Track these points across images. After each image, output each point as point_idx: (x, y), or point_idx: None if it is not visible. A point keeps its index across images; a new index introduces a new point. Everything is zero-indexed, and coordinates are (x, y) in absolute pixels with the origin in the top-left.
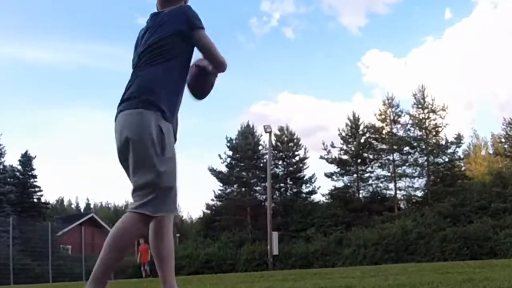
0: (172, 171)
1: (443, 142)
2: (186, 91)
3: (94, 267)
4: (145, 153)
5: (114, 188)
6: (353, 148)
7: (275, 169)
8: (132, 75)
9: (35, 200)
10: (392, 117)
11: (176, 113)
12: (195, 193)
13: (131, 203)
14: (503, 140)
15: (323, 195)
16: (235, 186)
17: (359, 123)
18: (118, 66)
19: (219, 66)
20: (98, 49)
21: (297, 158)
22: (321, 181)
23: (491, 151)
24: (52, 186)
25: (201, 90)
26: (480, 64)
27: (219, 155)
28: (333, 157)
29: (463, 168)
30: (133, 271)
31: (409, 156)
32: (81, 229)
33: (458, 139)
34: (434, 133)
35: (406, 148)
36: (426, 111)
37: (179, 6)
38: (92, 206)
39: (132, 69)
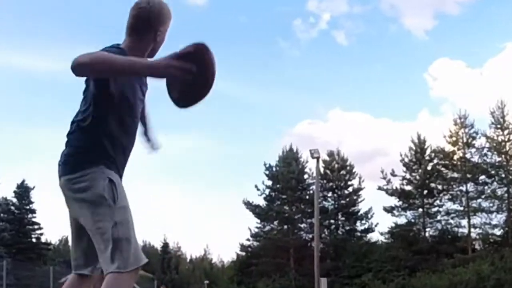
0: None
1: None
2: None
3: None
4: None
5: None
6: (418, 177)
7: (323, 202)
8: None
9: (34, 239)
10: (465, 140)
11: None
12: (227, 231)
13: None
14: None
15: (381, 234)
16: (276, 223)
17: (426, 146)
18: None
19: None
20: None
21: (350, 189)
22: (380, 216)
23: None
24: (54, 223)
25: None
26: None
27: (256, 186)
28: (394, 187)
29: None
30: None
31: (486, 187)
32: None
33: None
34: None
35: (482, 177)
36: (506, 132)
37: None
38: None
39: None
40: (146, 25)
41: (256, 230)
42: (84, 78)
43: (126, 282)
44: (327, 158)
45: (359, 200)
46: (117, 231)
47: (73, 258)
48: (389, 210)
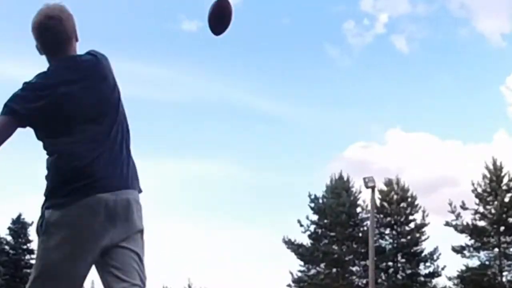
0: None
1: None
2: None
3: None
4: None
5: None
6: (493, 211)
7: (380, 240)
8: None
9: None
10: None
11: None
12: (264, 276)
13: None
14: None
15: (449, 279)
16: (323, 265)
17: (503, 174)
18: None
19: None
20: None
21: (411, 225)
22: (447, 258)
23: None
24: None
25: None
26: None
27: (299, 221)
28: (465, 223)
29: None
30: None
31: None
32: None
33: None
34: None
35: None
36: None
37: (89, 55)
38: None
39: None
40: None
41: (299, 274)
42: None
43: None
44: (384, 188)
45: (423, 238)
46: None
47: None
48: (459, 250)
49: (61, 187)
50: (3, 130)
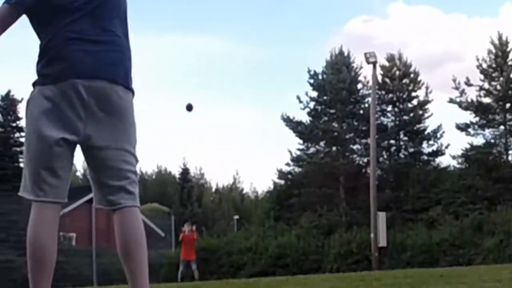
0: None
1: None
2: None
3: (132, 277)
4: None
5: (141, 147)
6: (499, 87)
7: (381, 118)
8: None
9: (22, 165)
10: None
11: None
12: (262, 155)
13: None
14: None
15: (453, 158)
16: (322, 143)
17: (508, 49)
18: None
19: None
20: None
21: (414, 102)
22: (451, 136)
23: None
24: None
25: None
26: None
27: (298, 98)
28: (469, 100)
29: None
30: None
31: None
32: (91, 208)
33: None
34: None
35: None
36: None
37: None
38: None
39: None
40: None
41: (298, 153)
42: None
43: None
44: (386, 64)
45: (426, 115)
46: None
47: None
48: (463, 128)
49: (42, 69)
50: (4, 18)
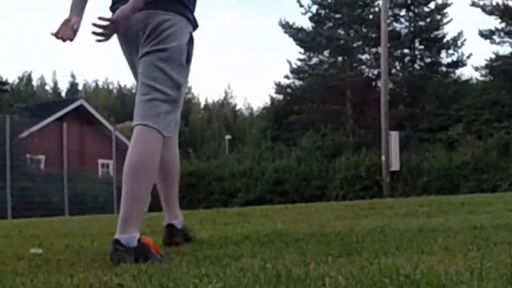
0: None
1: None
2: None
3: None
4: None
5: (117, 59)
6: None
7: (393, 24)
8: None
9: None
10: None
11: None
12: (258, 66)
13: None
14: None
15: (476, 69)
16: (326, 53)
17: None
18: None
19: None
20: None
21: (431, 5)
22: (474, 44)
23: None
24: (12, 56)
25: None
26: None
27: (299, 1)
28: (494, 3)
29: None
30: None
31: None
32: (62, 127)
33: None
34: None
35: None
36: None
37: None
38: (80, 88)
39: None
40: None
41: (299, 63)
42: None
43: None
44: None
45: (445, 21)
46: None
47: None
48: (487, 35)
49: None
50: None
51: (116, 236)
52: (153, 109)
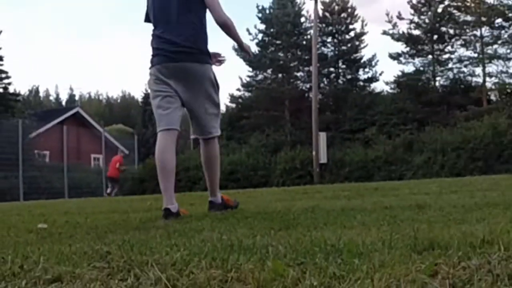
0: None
1: None
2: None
3: (212, 183)
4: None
5: (107, 74)
6: (427, 20)
7: (322, 48)
8: (170, 25)
9: (1, 90)
10: None
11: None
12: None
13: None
14: None
15: (387, 84)
16: (269, 71)
17: None
18: None
19: (219, 23)
20: None
21: (351, 33)
22: (385, 64)
23: None
24: (24, 72)
25: None
26: None
27: (248, 30)
28: (401, 32)
29: None
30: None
31: (503, 31)
32: (63, 129)
33: None
34: None
35: (499, 21)
36: None
37: None
38: (77, 98)
39: (163, 16)
40: None
41: (248, 79)
42: None
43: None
44: (327, 0)
45: (362, 46)
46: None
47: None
48: (395, 57)
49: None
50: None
51: (210, 199)
52: None
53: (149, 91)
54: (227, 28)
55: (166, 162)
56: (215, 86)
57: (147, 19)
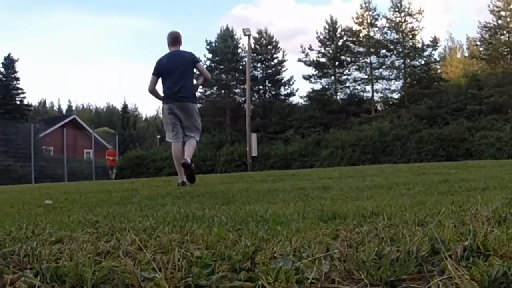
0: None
1: (419, 45)
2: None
3: (188, 152)
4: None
5: (96, 90)
6: (330, 51)
7: (254, 71)
8: (179, 84)
9: (18, 102)
10: (369, 21)
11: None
12: None
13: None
14: (478, 43)
15: (301, 97)
16: (215, 88)
17: (337, 26)
18: None
19: (206, 80)
20: None
21: (275, 60)
22: (299, 83)
23: (466, 54)
24: (34, 88)
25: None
26: None
27: (199, 58)
28: (311, 59)
29: (439, 71)
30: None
31: (386, 59)
32: (63, 131)
33: (434, 42)
34: (410, 36)
35: (383, 51)
36: (402, 14)
37: (189, 52)
38: (74, 108)
39: (175, 78)
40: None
41: (199, 94)
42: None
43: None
44: (257, 36)
45: (283, 70)
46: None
47: (175, 132)
48: (307, 78)
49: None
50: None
51: (187, 161)
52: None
53: (126, 102)
54: (209, 80)
55: (179, 157)
56: (199, 115)
57: (155, 73)
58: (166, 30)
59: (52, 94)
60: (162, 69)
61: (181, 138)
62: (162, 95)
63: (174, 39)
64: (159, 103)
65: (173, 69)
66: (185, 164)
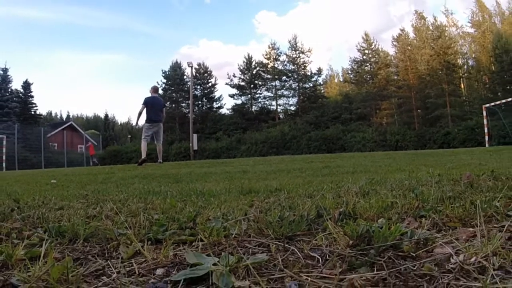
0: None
1: (309, 73)
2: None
3: (160, 155)
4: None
5: (86, 104)
6: (248, 77)
7: (195, 91)
8: (157, 114)
9: (33, 112)
10: (274, 56)
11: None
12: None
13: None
14: (349, 72)
15: (227, 109)
16: (168, 103)
17: (252, 60)
18: (98, 24)
19: (164, 115)
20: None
21: (210, 84)
22: (226, 99)
23: (341, 79)
24: (44, 103)
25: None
26: (338, 20)
27: (157, 82)
28: (234, 83)
29: (322, 91)
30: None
31: (286, 83)
32: (64, 132)
33: (319, 71)
34: (303, 67)
35: (284, 77)
36: (297, 52)
37: (162, 99)
38: (71, 116)
39: (155, 110)
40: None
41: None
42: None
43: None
44: (197, 67)
45: (215, 90)
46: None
47: (148, 136)
48: (232, 96)
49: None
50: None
51: (159, 160)
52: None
53: (107, 112)
54: (165, 116)
55: (144, 149)
56: (163, 131)
57: (145, 104)
58: (135, 63)
59: (56, 107)
60: (149, 104)
61: (149, 140)
62: (146, 117)
63: (156, 89)
64: (134, 115)
65: (154, 105)
66: (146, 161)
